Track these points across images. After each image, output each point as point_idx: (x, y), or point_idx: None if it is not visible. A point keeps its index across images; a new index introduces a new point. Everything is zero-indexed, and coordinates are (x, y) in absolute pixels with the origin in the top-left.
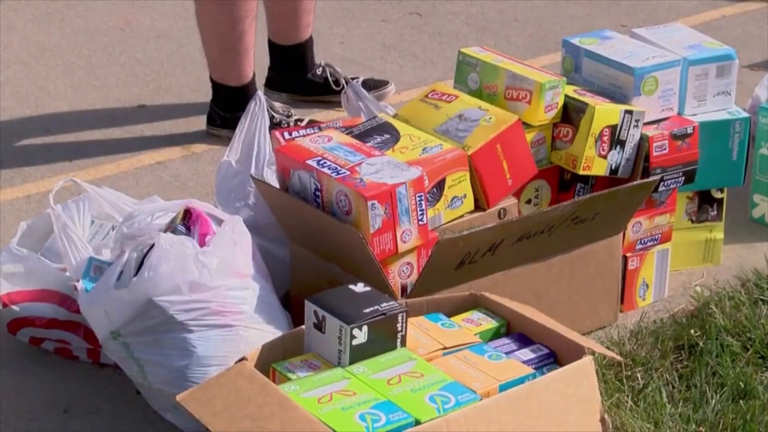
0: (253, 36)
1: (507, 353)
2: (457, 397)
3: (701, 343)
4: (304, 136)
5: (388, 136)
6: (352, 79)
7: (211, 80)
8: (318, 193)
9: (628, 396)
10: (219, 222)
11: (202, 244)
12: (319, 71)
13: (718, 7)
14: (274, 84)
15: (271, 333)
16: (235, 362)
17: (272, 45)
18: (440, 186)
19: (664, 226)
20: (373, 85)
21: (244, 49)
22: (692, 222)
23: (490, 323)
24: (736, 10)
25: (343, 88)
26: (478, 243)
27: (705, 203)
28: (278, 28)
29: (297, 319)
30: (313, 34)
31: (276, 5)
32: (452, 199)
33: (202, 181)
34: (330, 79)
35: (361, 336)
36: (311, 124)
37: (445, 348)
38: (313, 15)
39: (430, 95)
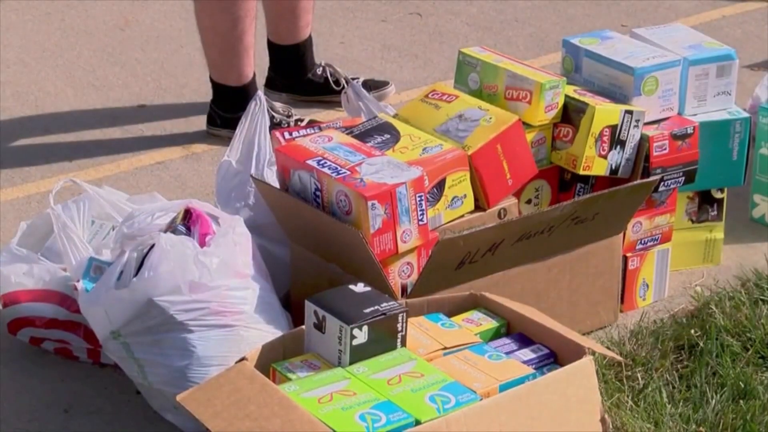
0: (252, 36)
1: (507, 353)
2: (458, 397)
3: (701, 343)
4: (304, 136)
5: (389, 136)
6: (353, 79)
7: (211, 80)
8: (318, 193)
9: (628, 396)
10: (219, 222)
11: (202, 244)
12: (319, 71)
13: (718, 7)
14: (274, 84)
15: (271, 333)
16: (236, 362)
17: (271, 45)
18: (440, 186)
19: (664, 226)
20: (373, 86)
21: (244, 49)
22: (692, 222)
23: (490, 323)
24: (736, 10)
25: (343, 88)
26: (478, 243)
27: (705, 203)
28: (277, 27)
29: (297, 319)
30: (313, 34)
31: (274, 5)
32: (452, 199)
33: (202, 181)
34: (330, 79)
35: (361, 336)
36: (311, 124)
37: (445, 348)
38: (311, 14)
39: (430, 95)
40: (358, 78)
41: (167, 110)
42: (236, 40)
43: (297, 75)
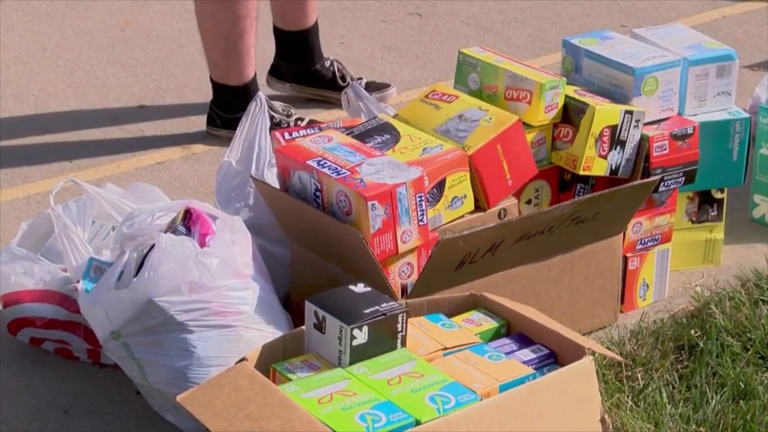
0: (254, 36)
1: (507, 353)
2: (458, 397)
3: (701, 344)
4: (304, 136)
5: (389, 136)
6: (357, 79)
7: (212, 81)
8: (318, 193)
9: (628, 396)
10: (219, 222)
11: (202, 244)
12: (327, 64)
13: (718, 7)
14: (279, 72)
15: (271, 333)
16: (236, 363)
17: (278, 31)
18: (440, 186)
19: (664, 226)
20: (375, 88)
21: (245, 49)
22: (692, 222)
23: (490, 323)
24: (736, 10)
25: (347, 84)
26: (479, 243)
27: (705, 203)
28: (284, 12)
29: (297, 319)
30: None
31: None
32: (452, 200)
33: (202, 181)
34: (337, 74)
35: (361, 336)
36: (311, 124)
37: (445, 348)
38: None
39: (430, 95)
40: (361, 79)
41: (167, 110)
42: (237, 39)
43: (304, 63)
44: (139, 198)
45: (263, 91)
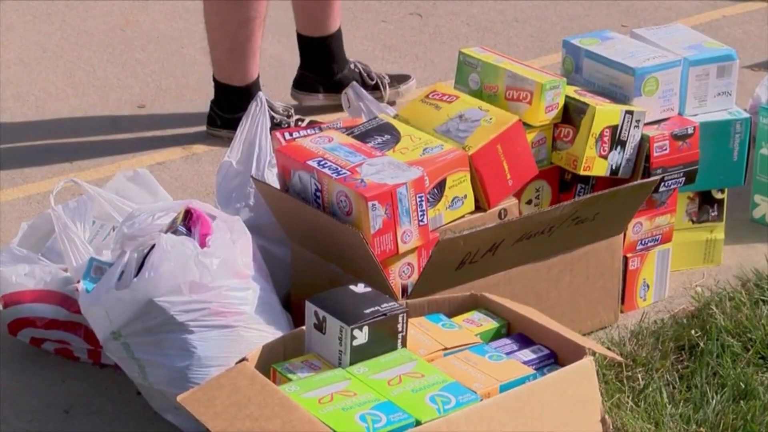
0: (261, 38)
1: (507, 354)
2: (458, 397)
3: (702, 344)
4: (304, 136)
5: (389, 136)
6: (381, 75)
7: (215, 80)
8: (318, 193)
9: (628, 396)
10: (219, 223)
11: (202, 244)
12: (352, 67)
13: (718, 8)
14: (307, 85)
15: (271, 333)
16: (236, 363)
17: (305, 40)
18: (441, 186)
19: (664, 226)
20: (398, 80)
21: (252, 50)
22: (693, 222)
23: (490, 324)
24: (737, 10)
25: (375, 82)
26: (479, 243)
27: (706, 203)
28: (313, 18)
29: (297, 319)
30: None
31: None
32: (453, 200)
33: (202, 181)
34: (364, 74)
35: (361, 336)
36: (312, 124)
37: (445, 348)
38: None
39: (430, 96)
40: (382, 75)
41: (167, 111)
42: (245, 40)
43: (331, 70)
44: (138, 186)
45: (268, 95)
